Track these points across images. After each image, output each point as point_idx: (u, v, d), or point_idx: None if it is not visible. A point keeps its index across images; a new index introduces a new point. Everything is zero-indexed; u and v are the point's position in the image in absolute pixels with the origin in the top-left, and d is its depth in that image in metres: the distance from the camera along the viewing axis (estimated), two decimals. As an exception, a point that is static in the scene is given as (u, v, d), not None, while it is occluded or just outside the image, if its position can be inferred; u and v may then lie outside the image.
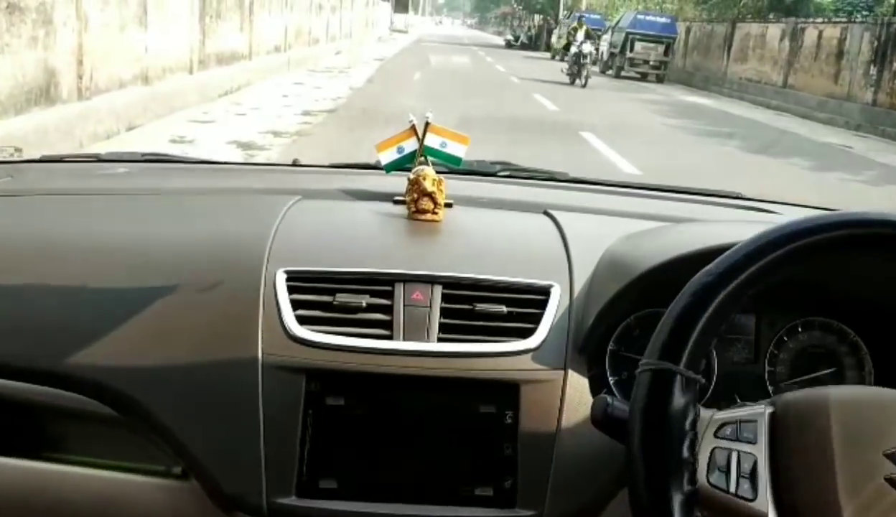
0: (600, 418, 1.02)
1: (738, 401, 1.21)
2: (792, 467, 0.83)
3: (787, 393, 0.91)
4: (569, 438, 1.19)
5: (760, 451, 0.83)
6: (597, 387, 1.33)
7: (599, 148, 8.90)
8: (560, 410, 1.20)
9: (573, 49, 20.17)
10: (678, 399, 0.87)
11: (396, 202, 1.58)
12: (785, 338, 1.37)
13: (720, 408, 1.26)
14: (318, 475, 1.18)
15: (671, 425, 0.85)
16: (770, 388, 1.36)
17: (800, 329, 1.37)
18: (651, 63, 25.44)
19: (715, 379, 1.35)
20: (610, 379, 1.33)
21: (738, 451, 0.84)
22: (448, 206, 1.59)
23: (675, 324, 0.88)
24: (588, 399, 1.23)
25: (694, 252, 1.18)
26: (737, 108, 16.09)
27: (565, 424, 1.20)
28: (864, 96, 15.11)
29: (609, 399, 1.03)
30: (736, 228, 1.40)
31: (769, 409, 0.89)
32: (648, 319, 1.34)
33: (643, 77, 25.45)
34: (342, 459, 1.19)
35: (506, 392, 1.21)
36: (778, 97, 17.04)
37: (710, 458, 0.85)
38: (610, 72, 25.95)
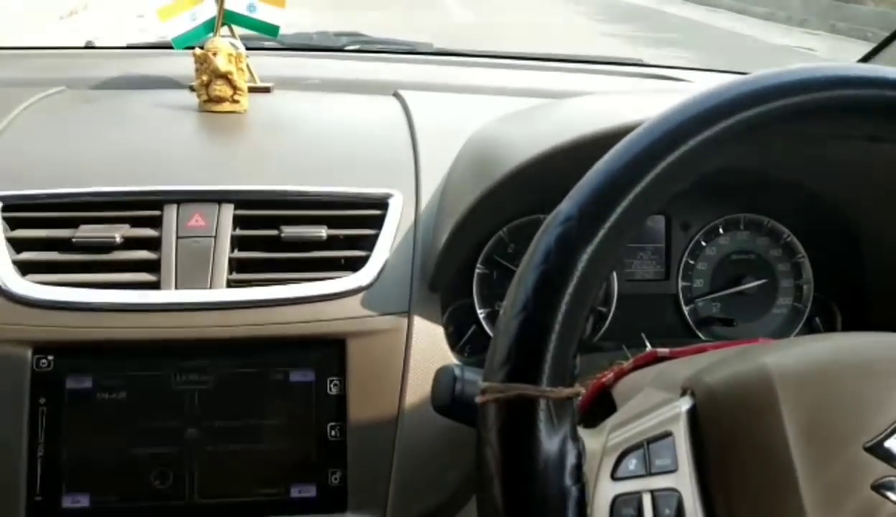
0: (446, 403, 0.68)
1: (646, 339, 0.89)
2: (734, 491, 0.51)
3: (704, 370, 0.56)
4: (417, 413, 0.85)
5: (685, 482, 0.50)
6: (458, 329, 0.99)
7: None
8: (404, 373, 0.86)
9: None
10: (546, 438, 0.52)
11: (194, 89, 1.17)
12: (702, 244, 1.05)
13: (622, 346, 0.95)
14: (60, 490, 0.82)
15: (542, 481, 0.51)
16: (686, 310, 1.05)
17: (721, 230, 1.05)
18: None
19: (614, 305, 1.02)
20: (479, 312, 1.00)
21: (653, 492, 0.51)
22: (264, 90, 1.19)
23: (525, 317, 0.53)
24: (444, 352, 0.89)
25: (586, 137, 0.82)
26: (665, 4, 13.41)
27: (412, 393, 0.86)
28: (807, -14, 12.92)
29: (457, 370, 0.69)
30: (641, 101, 1.06)
31: (686, 406, 0.55)
32: (527, 229, 1.00)
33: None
34: (94, 465, 0.83)
35: (328, 351, 0.86)
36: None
37: (611, 514, 0.51)
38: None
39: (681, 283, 1.05)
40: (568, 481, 0.51)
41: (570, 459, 0.52)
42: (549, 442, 0.52)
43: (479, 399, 0.54)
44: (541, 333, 0.53)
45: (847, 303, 1.06)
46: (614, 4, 12.24)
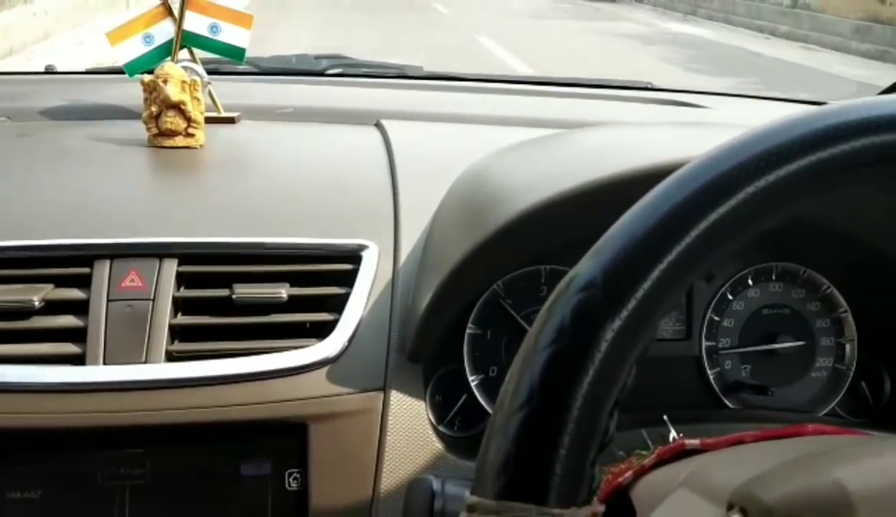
0: None
1: (669, 424, 0.75)
2: None
3: (758, 483, 0.42)
4: (393, 514, 0.71)
5: None
6: (446, 399, 0.84)
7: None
8: (378, 463, 0.72)
9: None
10: None
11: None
12: (729, 297, 0.91)
13: (635, 425, 0.81)
14: None
15: None
16: (710, 374, 0.90)
17: (750, 281, 0.91)
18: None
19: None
20: (471, 379, 0.85)
21: None
22: (227, 121, 1.06)
23: (529, 413, 0.39)
24: (427, 436, 0.74)
25: (604, 180, 0.69)
26: (742, 38, 10.38)
27: (387, 489, 0.71)
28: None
29: (436, 484, 0.55)
30: (661, 134, 0.92)
31: None
32: (526, 283, 0.86)
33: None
34: None
35: (286, 439, 0.72)
36: (786, 20, 10.98)
37: None
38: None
39: (704, 343, 0.90)
40: None
41: None
42: None
43: None
44: (550, 435, 0.39)
45: None
46: (704, 47, 9.64)
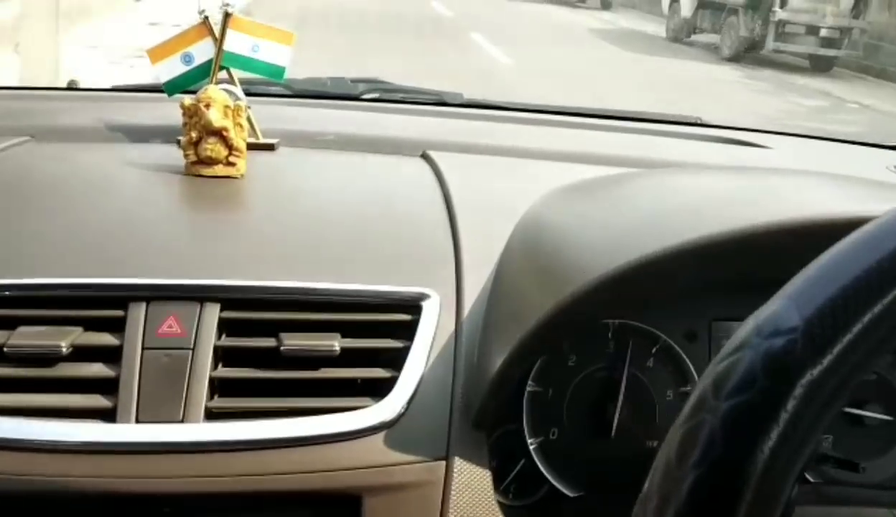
0: None
1: None
2: None
3: None
4: None
5: None
6: (503, 463, 0.77)
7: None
8: None
9: None
10: None
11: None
12: None
13: None
14: None
15: None
16: None
17: None
18: (824, 33, 9.97)
19: None
20: (530, 442, 0.78)
21: None
22: (266, 148, 0.99)
23: (705, 472, 0.34)
24: (492, 510, 0.67)
25: (695, 244, 0.61)
26: None
27: None
28: None
29: None
30: (735, 184, 0.85)
31: None
32: (594, 338, 0.78)
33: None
34: None
35: (338, 512, 0.65)
36: None
37: None
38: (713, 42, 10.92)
39: None
40: None
41: None
42: None
43: None
44: (726, 502, 0.34)
45: None
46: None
